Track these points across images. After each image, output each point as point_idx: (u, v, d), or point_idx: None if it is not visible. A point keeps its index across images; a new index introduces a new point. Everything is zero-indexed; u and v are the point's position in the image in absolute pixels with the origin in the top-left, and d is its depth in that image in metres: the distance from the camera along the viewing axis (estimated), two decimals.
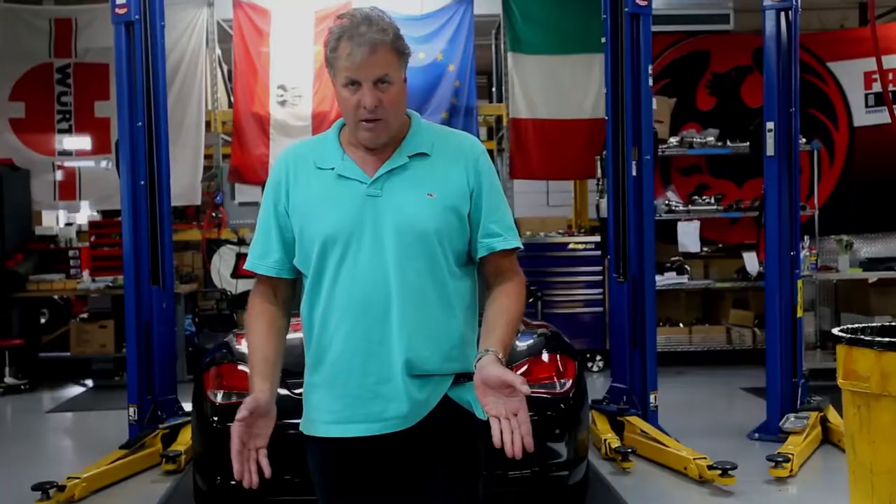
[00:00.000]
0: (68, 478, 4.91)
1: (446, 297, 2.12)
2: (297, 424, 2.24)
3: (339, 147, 2.16)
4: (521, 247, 2.24)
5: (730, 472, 4.88)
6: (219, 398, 4.32)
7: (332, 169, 2.13)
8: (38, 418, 7.42)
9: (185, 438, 5.55)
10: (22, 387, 8.22)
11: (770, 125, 5.84)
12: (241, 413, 1.98)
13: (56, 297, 9.19)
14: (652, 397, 5.91)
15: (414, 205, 2.08)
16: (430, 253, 2.09)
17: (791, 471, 5.08)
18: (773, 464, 5.08)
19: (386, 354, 2.07)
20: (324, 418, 2.15)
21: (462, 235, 2.14)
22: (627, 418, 5.82)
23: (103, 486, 5.10)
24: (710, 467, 4.96)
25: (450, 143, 2.18)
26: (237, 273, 8.70)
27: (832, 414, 5.87)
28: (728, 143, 8.59)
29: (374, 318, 2.07)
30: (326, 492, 2.20)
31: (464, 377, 2.12)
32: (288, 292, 2.22)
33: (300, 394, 2.25)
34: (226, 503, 4.30)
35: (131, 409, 5.82)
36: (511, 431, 1.89)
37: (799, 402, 5.91)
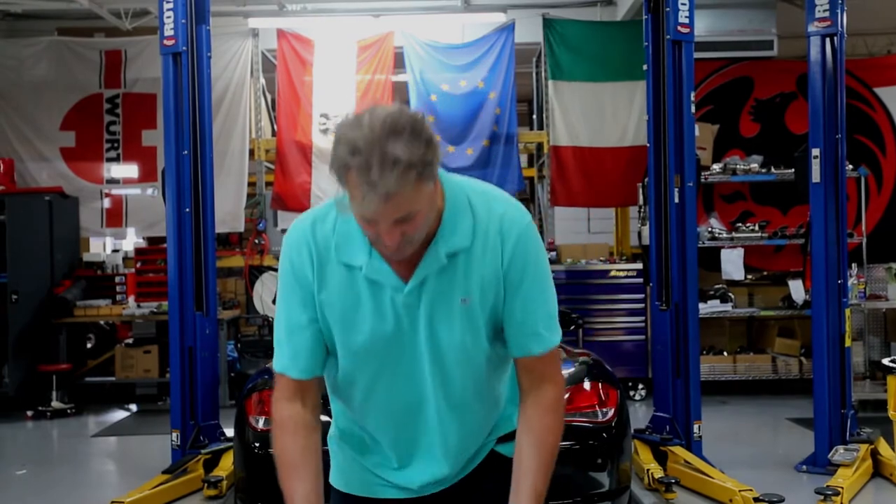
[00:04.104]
0: (112, 502, 4.95)
1: (490, 392, 1.97)
2: None
3: (363, 238, 1.80)
4: (560, 340, 1.94)
5: None
6: (260, 424, 4.34)
7: (360, 268, 1.81)
8: (83, 442, 7.51)
9: (226, 464, 5.58)
10: (68, 411, 8.34)
11: (816, 152, 5.77)
12: None
13: (102, 322, 9.34)
14: (696, 427, 5.82)
15: (447, 317, 1.83)
16: (467, 359, 1.88)
17: None
18: (821, 497, 4.95)
19: (427, 445, 1.96)
20: (354, 478, 2.04)
21: (499, 323, 1.91)
22: (671, 448, 5.73)
23: None
24: (756, 500, 4.86)
25: (489, 227, 1.82)
26: None
27: (883, 446, 5.73)
28: (772, 169, 8.50)
29: (413, 425, 1.94)
30: None
31: (507, 437, 2.02)
32: (319, 394, 1.95)
33: None
34: None
35: (174, 434, 5.87)
36: None
37: (848, 433, 5.77)
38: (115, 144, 9.61)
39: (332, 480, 2.09)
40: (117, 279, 9.14)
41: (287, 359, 1.89)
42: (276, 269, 9.06)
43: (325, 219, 1.85)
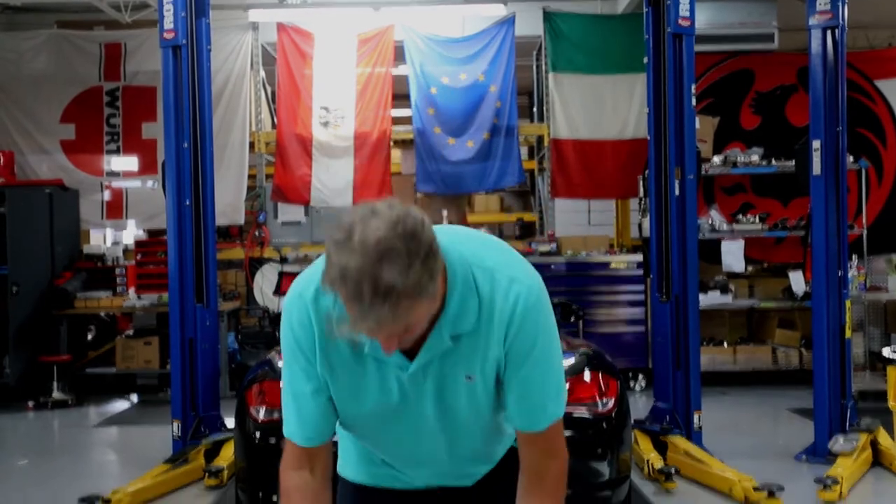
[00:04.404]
0: (113, 492, 4.97)
1: (500, 430, 1.92)
2: None
3: None
4: (564, 410, 1.84)
5: (776, 494, 4.79)
6: (261, 415, 4.35)
7: (364, 346, 1.73)
8: (84, 432, 7.53)
9: (227, 454, 5.59)
10: (69, 401, 8.35)
11: (816, 144, 5.77)
12: None
13: (102, 314, 9.35)
14: (696, 417, 5.84)
15: (453, 391, 1.78)
16: (476, 419, 1.83)
17: (840, 494, 4.96)
18: (821, 486, 4.97)
19: (435, 467, 1.95)
20: (362, 469, 2.02)
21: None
22: (671, 438, 5.75)
23: (147, 500, 5.15)
24: (755, 489, 4.87)
25: (494, 308, 1.71)
26: (279, 291, 8.79)
27: (883, 436, 5.74)
28: (773, 161, 8.51)
29: (420, 457, 1.92)
30: None
31: None
32: (328, 460, 1.89)
33: None
34: None
35: (175, 425, 5.89)
36: None
37: (848, 423, 5.79)
38: (115, 137, 9.61)
39: (340, 470, 2.07)
40: (117, 271, 9.14)
41: (294, 425, 1.82)
42: (276, 261, 9.09)
43: (325, 292, 1.67)
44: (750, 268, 8.87)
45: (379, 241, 1.45)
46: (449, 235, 1.68)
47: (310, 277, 1.75)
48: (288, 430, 1.82)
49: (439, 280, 1.57)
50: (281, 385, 1.85)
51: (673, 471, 5.28)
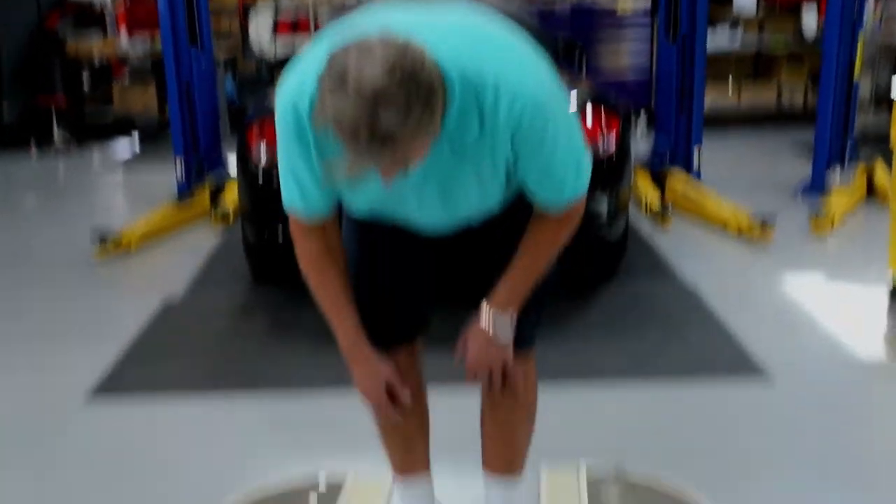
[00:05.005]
0: (122, 231, 5.10)
1: (509, 196, 1.83)
2: None
3: None
4: (587, 184, 1.74)
5: (769, 226, 4.90)
6: (262, 153, 4.34)
7: None
8: (88, 175, 7.63)
9: (232, 195, 5.67)
10: (71, 146, 8.37)
11: None
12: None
13: (95, 62, 9.15)
14: (696, 152, 5.87)
15: (461, 186, 1.71)
16: (484, 201, 1.79)
17: (832, 225, 5.08)
18: (814, 217, 5.08)
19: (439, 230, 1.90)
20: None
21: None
22: (670, 175, 5.80)
23: (156, 239, 5.30)
24: (749, 222, 4.98)
25: (497, 120, 1.58)
26: (276, 31, 8.58)
27: (880, 170, 5.78)
28: None
29: (424, 228, 1.87)
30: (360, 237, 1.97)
31: None
32: (338, 231, 1.84)
33: None
34: (273, 254, 4.44)
35: (178, 165, 5.94)
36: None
37: (847, 160, 5.83)
38: None
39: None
40: (106, 11, 8.84)
41: (299, 202, 1.74)
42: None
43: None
44: (761, 13, 8.54)
45: (375, 89, 1.33)
46: (445, 38, 1.53)
47: (301, 83, 1.60)
48: (289, 203, 1.76)
49: (439, 111, 1.45)
50: (278, 164, 1.75)
51: (670, 207, 5.37)
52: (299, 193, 1.72)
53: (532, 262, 1.80)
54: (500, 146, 1.62)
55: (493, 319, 1.80)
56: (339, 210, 1.87)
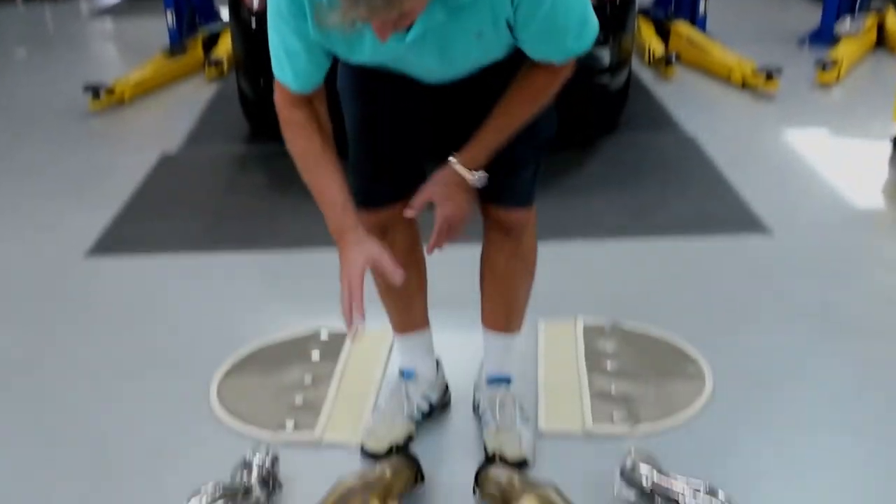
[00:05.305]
0: (116, 81, 5.00)
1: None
2: None
3: None
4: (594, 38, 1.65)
5: (774, 76, 4.79)
6: (255, 1, 4.20)
7: None
8: (77, 23, 7.42)
9: (225, 45, 5.53)
10: None
11: None
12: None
13: None
14: (701, 0, 5.68)
15: (462, 48, 1.64)
16: (485, 59, 1.72)
17: (838, 75, 4.98)
18: (820, 67, 4.96)
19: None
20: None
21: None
22: (674, 25, 5.64)
23: (150, 91, 5.20)
24: (754, 72, 4.87)
25: None
26: None
27: (891, 19, 5.62)
28: None
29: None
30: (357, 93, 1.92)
31: None
32: (325, 102, 1.78)
33: None
34: (271, 106, 4.37)
35: (169, 14, 5.77)
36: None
37: (858, 7, 5.65)
38: None
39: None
40: None
41: (290, 75, 1.69)
42: None
43: None
44: None
45: None
46: None
47: None
48: (280, 76, 1.70)
49: None
50: (269, 38, 1.68)
51: (673, 57, 5.25)
52: (291, 69, 1.67)
53: (508, 122, 1.75)
54: (500, 3, 1.56)
55: (460, 175, 1.78)
56: (327, 82, 1.80)
